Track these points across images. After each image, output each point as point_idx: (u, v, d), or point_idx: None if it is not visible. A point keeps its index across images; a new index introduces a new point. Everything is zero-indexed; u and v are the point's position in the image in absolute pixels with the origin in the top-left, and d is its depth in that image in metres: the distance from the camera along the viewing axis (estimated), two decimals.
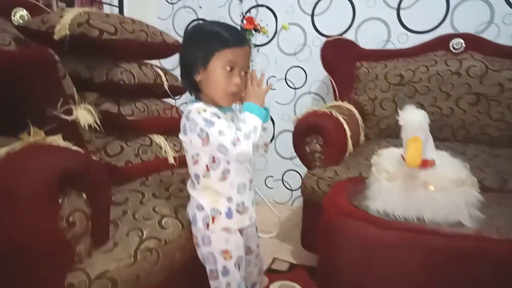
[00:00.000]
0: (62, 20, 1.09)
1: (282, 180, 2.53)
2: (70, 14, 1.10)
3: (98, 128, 1.00)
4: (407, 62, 2.02)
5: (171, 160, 1.23)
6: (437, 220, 0.90)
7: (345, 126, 1.71)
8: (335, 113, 1.70)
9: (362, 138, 1.99)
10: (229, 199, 0.98)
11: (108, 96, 1.15)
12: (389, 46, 2.17)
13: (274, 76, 2.43)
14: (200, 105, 0.93)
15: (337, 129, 1.68)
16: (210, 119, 0.90)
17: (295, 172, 2.48)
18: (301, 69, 2.37)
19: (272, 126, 2.49)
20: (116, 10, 2.39)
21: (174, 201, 1.05)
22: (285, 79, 2.42)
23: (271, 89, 2.43)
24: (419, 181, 0.93)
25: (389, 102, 2.01)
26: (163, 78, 1.28)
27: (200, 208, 0.96)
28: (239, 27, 2.05)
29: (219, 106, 0.98)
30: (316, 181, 1.57)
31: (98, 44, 1.09)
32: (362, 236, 0.92)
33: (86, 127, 0.93)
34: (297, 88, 2.41)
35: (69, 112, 0.90)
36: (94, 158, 0.84)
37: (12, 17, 1.25)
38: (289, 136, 2.42)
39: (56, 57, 0.86)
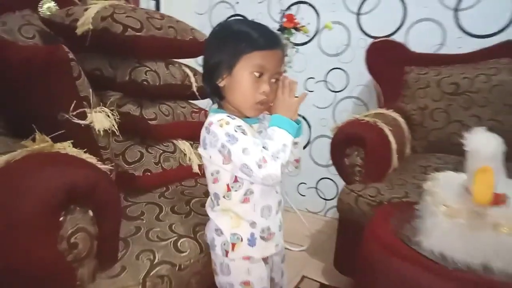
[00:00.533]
0: (86, 13, 1.01)
1: (316, 188, 2.37)
2: (95, 7, 1.02)
3: (116, 133, 0.90)
4: (464, 69, 1.80)
5: (195, 169, 1.13)
6: (509, 271, 0.73)
7: (391, 138, 1.53)
8: (379, 123, 1.53)
9: (408, 150, 1.80)
10: (252, 224, 0.85)
11: (131, 97, 1.05)
12: (443, 51, 1.95)
13: (313, 78, 2.28)
14: (222, 116, 0.81)
15: (381, 142, 1.51)
16: (233, 134, 0.78)
17: (331, 181, 2.32)
18: (342, 71, 2.20)
19: (308, 130, 2.34)
20: (152, 4, 2.32)
21: (194, 218, 0.94)
22: (325, 81, 2.26)
23: (309, 91, 2.28)
24: (487, 220, 0.76)
25: (441, 113, 1.80)
26: (192, 79, 1.17)
27: (219, 232, 0.85)
28: (278, 25, 1.92)
29: (244, 117, 0.86)
30: (354, 198, 1.41)
31: (122, 40, 1.00)
32: (411, 282, 0.76)
33: (101, 132, 0.84)
34: (337, 92, 2.24)
35: (83, 115, 0.81)
36: (106, 169, 0.74)
37: (39, 8, 1.19)
38: (326, 142, 2.27)
39: (70, 56, 0.77)
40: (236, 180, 0.83)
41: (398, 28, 2.03)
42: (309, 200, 2.40)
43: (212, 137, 0.80)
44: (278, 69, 0.84)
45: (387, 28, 2.05)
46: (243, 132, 0.80)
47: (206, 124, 0.82)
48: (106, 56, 1.09)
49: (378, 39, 1.97)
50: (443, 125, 1.79)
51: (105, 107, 0.96)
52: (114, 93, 1.07)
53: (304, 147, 2.36)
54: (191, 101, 1.26)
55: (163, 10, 2.34)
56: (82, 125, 0.79)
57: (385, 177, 1.51)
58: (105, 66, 1.07)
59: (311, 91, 2.29)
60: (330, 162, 2.34)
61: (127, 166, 0.99)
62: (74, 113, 0.78)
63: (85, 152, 0.75)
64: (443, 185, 0.93)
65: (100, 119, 0.83)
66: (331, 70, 2.23)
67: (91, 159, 0.75)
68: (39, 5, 1.18)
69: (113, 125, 0.88)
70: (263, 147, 0.78)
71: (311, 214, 2.38)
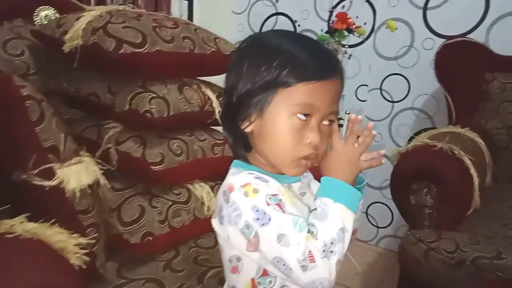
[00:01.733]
0: (77, 24, 0.78)
1: (367, 214, 2.04)
2: (89, 16, 0.78)
3: (106, 185, 0.65)
4: None
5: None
6: None
7: (473, 172, 1.18)
8: (457, 150, 1.18)
9: (488, 179, 1.43)
10: None
11: (134, 130, 0.81)
12: None
13: (366, 85, 1.94)
14: (249, 178, 0.54)
15: (461, 177, 1.16)
16: (264, 209, 0.51)
17: (384, 206, 1.98)
18: (403, 78, 1.85)
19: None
20: (185, 5, 2.09)
21: None
22: (380, 89, 1.91)
23: (361, 100, 1.94)
24: None
25: None
26: (215, 103, 0.91)
27: None
28: (326, 26, 1.61)
29: (279, 173, 0.59)
30: (424, 251, 1.08)
31: (116, 60, 0.75)
32: None
33: (78, 193, 0.60)
34: (395, 102, 1.89)
35: (49, 173, 0.57)
36: (79, 261, 0.50)
37: (35, 17, 0.98)
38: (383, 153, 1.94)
39: (26, 92, 0.53)
40: (265, 273, 0.56)
41: (477, 25, 1.63)
42: (358, 227, 2.07)
43: (232, 210, 0.54)
44: (334, 107, 0.56)
45: (462, 25, 1.66)
46: (280, 205, 0.53)
47: (224, 186, 0.56)
48: (107, 77, 0.86)
49: (452, 39, 1.59)
50: None
51: (102, 143, 0.72)
52: (115, 125, 0.83)
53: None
54: (213, 128, 0.99)
55: (196, 9, 2.10)
56: (47, 188, 0.56)
57: (463, 220, 1.17)
58: (103, 90, 0.84)
59: (364, 101, 1.95)
60: (384, 184, 2.01)
61: (122, 228, 0.75)
62: (35, 171, 0.55)
63: (52, 225, 0.51)
64: None
65: (76, 175, 0.59)
66: (388, 76, 1.88)
67: (60, 236, 0.51)
68: (34, 13, 0.97)
69: (101, 176, 0.63)
70: (310, 231, 0.51)
71: (360, 243, 2.06)
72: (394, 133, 1.91)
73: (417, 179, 1.17)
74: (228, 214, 0.53)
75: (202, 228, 0.85)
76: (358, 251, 1.96)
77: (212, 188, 0.92)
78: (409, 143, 1.34)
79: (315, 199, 0.56)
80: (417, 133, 1.81)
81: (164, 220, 0.79)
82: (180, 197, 0.85)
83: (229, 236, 0.54)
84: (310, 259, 0.49)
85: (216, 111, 0.90)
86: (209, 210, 0.87)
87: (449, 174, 1.13)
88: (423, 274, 1.09)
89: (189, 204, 0.86)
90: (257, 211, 0.51)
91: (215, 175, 0.90)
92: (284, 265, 0.50)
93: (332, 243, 0.50)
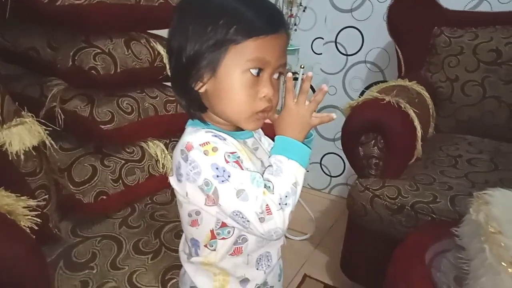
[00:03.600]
0: None
1: (320, 164, 2.13)
2: None
3: (53, 146, 0.63)
4: (509, 33, 1.47)
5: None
6: None
7: (416, 124, 1.25)
8: (403, 104, 1.25)
9: (431, 130, 1.53)
10: (244, 281, 0.62)
11: (80, 88, 0.77)
12: (484, 7, 1.61)
13: (321, 38, 1.94)
14: (207, 137, 0.55)
15: (406, 129, 1.24)
16: (224, 166, 0.53)
17: (337, 156, 2.08)
18: (357, 31, 1.86)
19: None
20: None
21: (165, 259, 0.71)
22: (335, 42, 1.93)
23: (316, 53, 1.96)
24: None
25: (475, 87, 1.50)
26: (165, 58, 0.88)
27: None
28: None
29: (236, 129, 0.61)
30: (370, 198, 1.17)
31: (52, 12, 0.70)
32: None
33: (22, 155, 0.58)
34: (349, 55, 1.92)
35: None
36: (30, 223, 0.50)
37: None
38: (333, 112, 2.00)
39: None
40: (224, 224, 0.58)
41: None
42: (312, 176, 2.17)
43: (191, 167, 0.54)
44: (283, 60, 0.57)
45: None
46: (238, 162, 0.55)
47: (181, 145, 0.56)
48: (46, 31, 0.79)
49: None
50: (476, 101, 1.50)
51: (46, 102, 0.69)
52: (59, 82, 0.79)
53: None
54: (165, 84, 0.96)
55: None
56: None
57: (406, 169, 1.26)
58: (42, 45, 0.78)
59: (319, 54, 1.97)
60: (338, 135, 2.09)
61: (74, 188, 0.74)
62: None
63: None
64: (502, 219, 0.68)
65: (19, 137, 0.57)
66: (343, 29, 1.89)
67: (7, 200, 0.50)
68: None
69: (46, 137, 0.61)
70: (267, 186, 0.54)
71: (315, 192, 2.17)
72: (347, 86, 1.96)
73: (365, 132, 1.24)
74: (186, 172, 0.54)
75: (158, 185, 0.86)
76: (312, 199, 2.07)
77: (166, 145, 0.91)
78: (360, 97, 1.38)
79: (269, 156, 0.59)
80: (369, 86, 1.89)
81: (118, 179, 0.79)
82: (134, 156, 0.85)
83: (187, 192, 0.56)
84: (267, 212, 0.52)
85: (167, 67, 0.88)
86: (164, 167, 0.87)
87: (394, 127, 1.20)
88: (368, 219, 1.18)
89: (143, 162, 0.86)
90: (217, 168, 0.52)
91: (169, 132, 0.89)
92: (242, 218, 0.53)
93: (286, 196, 0.53)
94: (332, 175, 2.12)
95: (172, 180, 0.59)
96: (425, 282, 0.69)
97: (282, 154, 0.56)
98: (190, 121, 0.61)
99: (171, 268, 0.69)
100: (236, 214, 0.53)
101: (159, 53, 0.87)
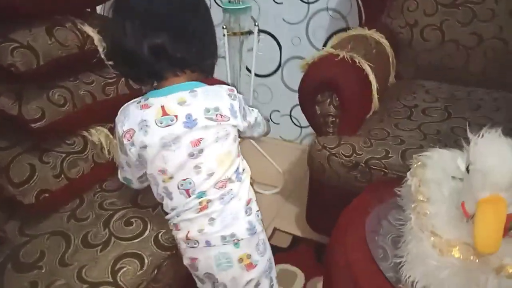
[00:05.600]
0: None
1: (290, 116, 2.14)
2: None
3: None
4: None
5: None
6: None
7: (371, 78, 1.25)
8: (358, 58, 1.23)
9: (391, 79, 1.53)
10: None
11: (5, 84, 0.74)
12: None
13: None
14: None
15: (360, 85, 1.23)
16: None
17: None
18: None
19: (279, 52, 2.00)
20: None
21: (114, 249, 0.73)
22: None
23: (276, 2, 1.87)
24: (489, 260, 0.56)
25: (434, 31, 1.48)
26: (97, 40, 0.83)
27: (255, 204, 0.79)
28: None
29: None
30: (327, 157, 1.19)
31: None
32: None
33: None
34: (310, 3, 1.84)
35: None
36: None
37: None
38: (299, 63, 1.96)
39: None
40: None
41: None
42: (283, 128, 2.18)
43: (239, 103, 0.76)
44: None
45: None
46: None
47: (224, 91, 0.75)
48: None
49: None
50: (435, 46, 1.49)
51: None
52: None
53: (275, 71, 2.05)
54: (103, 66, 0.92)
55: None
56: None
57: (363, 124, 1.27)
58: None
59: (280, 3, 1.88)
60: None
61: (13, 189, 0.73)
62: None
63: None
64: (431, 186, 0.71)
65: None
66: None
67: None
68: None
69: None
70: None
71: (286, 143, 2.20)
72: (311, 36, 1.90)
73: (320, 91, 1.23)
74: (239, 107, 0.75)
75: (105, 172, 0.86)
76: (284, 151, 2.11)
77: (111, 129, 0.90)
78: (324, 47, 1.36)
79: None
80: (332, 35, 1.84)
81: (59, 174, 0.79)
82: (75, 147, 0.83)
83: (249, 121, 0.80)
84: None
85: (100, 49, 0.84)
86: (110, 153, 0.87)
87: (348, 85, 1.19)
88: (327, 176, 1.21)
89: (86, 151, 0.85)
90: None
91: (113, 115, 0.87)
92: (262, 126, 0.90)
93: None
94: (302, 125, 2.13)
95: (235, 121, 0.73)
96: (360, 246, 0.73)
97: None
98: (191, 83, 0.73)
99: (121, 257, 0.72)
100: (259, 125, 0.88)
101: (88, 35, 0.82)
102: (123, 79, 0.92)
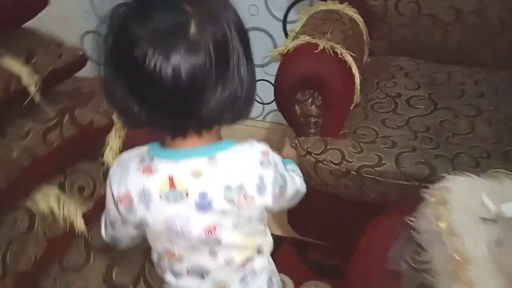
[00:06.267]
0: None
1: None
2: None
3: None
4: None
5: (81, 226, 0.68)
6: None
7: (354, 70, 1.12)
8: (340, 50, 1.08)
9: (365, 57, 1.41)
10: None
11: None
12: None
13: None
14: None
15: (344, 82, 1.10)
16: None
17: (267, 82, 1.91)
18: None
19: None
20: None
21: None
22: None
23: None
24: None
25: (409, 4, 1.36)
26: (26, 77, 0.59)
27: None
28: None
29: None
30: (312, 163, 1.08)
31: None
32: None
33: None
34: None
35: None
36: None
37: None
38: (259, 36, 1.77)
39: None
40: None
41: None
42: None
43: (274, 173, 0.58)
44: None
45: None
46: None
47: (257, 156, 0.56)
48: None
49: None
50: (410, 20, 1.37)
51: None
52: None
53: None
54: (37, 104, 0.68)
55: None
56: None
57: (346, 120, 1.16)
58: None
59: None
60: (266, 61, 1.89)
61: None
62: None
63: None
64: (464, 238, 0.63)
65: None
66: None
67: None
68: None
69: None
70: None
71: (249, 121, 2.04)
72: (270, 5, 1.70)
73: (300, 89, 1.08)
74: (274, 176, 0.57)
75: (63, 246, 0.67)
76: (247, 130, 1.96)
77: (62, 184, 0.69)
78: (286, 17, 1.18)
79: None
80: (294, 3, 1.64)
81: (4, 272, 0.59)
82: (19, 226, 0.63)
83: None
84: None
85: (32, 87, 0.60)
86: (66, 220, 0.67)
87: (332, 82, 1.06)
88: (313, 183, 1.11)
89: (35, 228, 0.65)
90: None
91: (65, 163, 0.67)
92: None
93: None
94: (265, 102, 1.99)
95: (257, 201, 0.55)
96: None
97: None
98: (220, 143, 0.56)
99: None
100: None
101: (11, 72, 0.58)
102: (68, 114, 0.70)
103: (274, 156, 0.59)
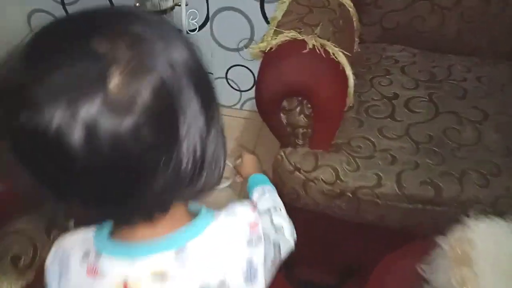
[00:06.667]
0: None
1: (226, 79, 1.79)
2: None
3: None
4: None
5: None
6: None
7: (348, 71, 0.96)
8: (332, 49, 0.92)
9: (356, 45, 1.25)
10: None
11: None
12: None
13: None
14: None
15: (337, 88, 0.95)
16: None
17: (244, 68, 1.73)
18: None
19: (206, 4, 1.56)
20: None
21: None
22: None
23: None
24: None
25: None
26: None
27: None
28: None
29: None
30: (302, 182, 0.95)
31: None
32: None
33: None
34: None
35: None
36: None
37: None
38: (233, 16, 1.56)
39: None
40: None
41: None
42: (218, 93, 1.83)
43: (266, 246, 0.45)
44: None
45: None
46: None
47: (244, 235, 0.43)
48: None
49: None
50: (405, 5, 1.21)
51: None
52: None
53: (202, 27, 1.62)
54: None
55: None
56: None
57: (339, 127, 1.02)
58: None
59: None
60: (241, 44, 1.70)
61: None
62: None
63: None
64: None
65: None
66: None
67: None
68: None
69: None
70: None
71: (226, 110, 1.87)
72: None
73: (287, 96, 0.93)
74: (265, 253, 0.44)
75: None
76: (225, 120, 1.80)
77: None
78: None
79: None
80: None
81: None
82: None
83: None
84: None
85: None
86: None
87: (324, 88, 0.90)
88: (301, 202, 0.98)
89: None
90: None
91: None
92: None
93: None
94: (242, 89, 1.81)
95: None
96: None
97: None
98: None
99: None
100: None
101: None
102: None
103: (265, 221, 0.47)
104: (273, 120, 0.98)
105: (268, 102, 0.94)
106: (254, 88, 1.73)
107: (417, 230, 0.92)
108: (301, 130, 0.96)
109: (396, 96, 1.06)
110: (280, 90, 0.91)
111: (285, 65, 0.90)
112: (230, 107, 1.87)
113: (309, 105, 0.93)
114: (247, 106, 1.85)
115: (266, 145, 0.95)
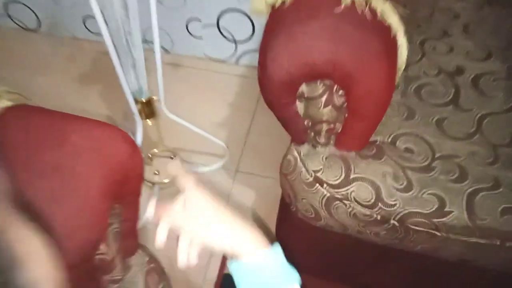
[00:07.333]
0: None
1: (218, 26, 1.42)
2: None
3: None
4: None
5: None
6: None
7: (401, 40, 0.63)
8: (380, 6, 0.58)
9: None
10: None
11: None
12: None
13: None
14: None
15: (387, 65, 0.62)
16: None
17: (241, 14, 1.37)
18: None
19: None
20: None
21: None
22: None
23: None
24: None
25: None
26: None
27: None
28: None
29: None
30: (325, 199, 0.67)
31: None
32: None
33: None
34: None
35: None
36: None
37: None
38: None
39: None
40: None
41: None
42: (209, 44, 1.49)
43: None
44: None
45: None
46: None
47: None
48: None
49: None
50: None
51: None
52: None
53: None
54: None
55: None
56: None
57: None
58: None
59: None
60: None
61: None
62: None
63: None
64: None
65: None
66: None
67: None
68: None
69: None
70: None
71: (218, 65, 1.53)
72: None
73: (309, 79, 0.61)
74: None
75: None
76: (216, 78, 1.48)
77: None
78: None
79: None
80: None
81: None
82: None
83: None
84: None
85: None
86: None
87: (369, 71, 0.58)
88: (322, 223, 0.71)
89: None
90: None
91: None
92: None
93: None
94: (237, 39, 1.45)
95: None
96: None
97: None
98: None
99: None
100: None
101: None
102: None
103: None
104: (284, 112, 0.66)
105: (278, 89, 0.62)
106: (252, 38, 1.40)
107: (477, 263, 0.67)
108: (325, 126, 0.66)
109: (460, 70, 0.74)
110: (297, 71, 0.59)
111: (306, 31, 0.56)
112: (223, 61, 1.52)
113: (340, 92, 0.61)
114: (245, 60, 1.51)
115: (270, 116, 0.64)
